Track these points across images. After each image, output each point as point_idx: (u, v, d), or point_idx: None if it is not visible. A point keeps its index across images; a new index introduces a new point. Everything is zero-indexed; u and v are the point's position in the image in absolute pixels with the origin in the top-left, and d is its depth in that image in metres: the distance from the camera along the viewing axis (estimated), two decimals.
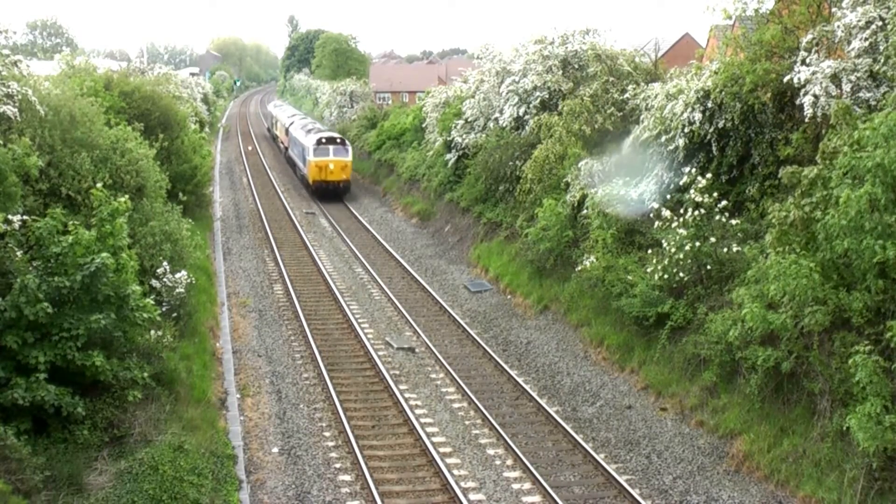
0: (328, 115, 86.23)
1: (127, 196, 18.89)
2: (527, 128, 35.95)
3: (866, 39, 20.59)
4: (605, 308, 24.34)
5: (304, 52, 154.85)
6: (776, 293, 16.92)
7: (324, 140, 50.36)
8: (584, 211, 27.24)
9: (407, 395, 21.78)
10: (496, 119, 39.23)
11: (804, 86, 21.02)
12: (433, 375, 23.48)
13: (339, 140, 51.20)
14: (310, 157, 50.09)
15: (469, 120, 41.76)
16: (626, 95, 29.85)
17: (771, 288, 17.03)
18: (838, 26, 21.26)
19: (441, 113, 47.65)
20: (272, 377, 23.06)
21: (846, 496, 15.04)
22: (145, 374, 17.00)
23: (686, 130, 24.11)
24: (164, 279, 22.51)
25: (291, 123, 63.39)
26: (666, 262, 21.82)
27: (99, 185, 19.27)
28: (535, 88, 36.27)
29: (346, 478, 17.63)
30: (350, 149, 51.61)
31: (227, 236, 39.92)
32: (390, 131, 59.41)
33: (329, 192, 50.15)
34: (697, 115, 23.76)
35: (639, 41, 51.53)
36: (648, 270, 22.29)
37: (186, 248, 25.37)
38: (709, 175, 22.36)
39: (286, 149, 65.48)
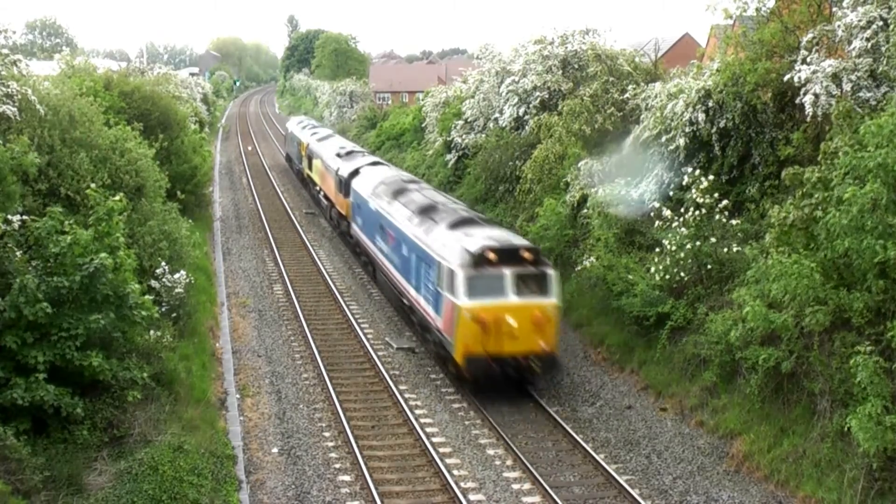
0: (328, 115, 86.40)
1: (122, 194, 18.86)
2: (527, 128, 35.96)
3: (867, 39, 20.59)
4: (605, 308, 24.31)
5: (303, 52, 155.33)
6: (777, 293, 16.91)
7: (492, 255, 20.76)
8: (585, 211, 27.22)
9: (407, 396, 21.75)
10: (496, 119, 39.23)
11: (804, 85, 21.02)
12: (433, 375, 23.44)
13: (527, 254, 21.14)
14: (459, 299, 20.54)
15: (469, 120, 41.78)
16: (626, 95, 29.83)
17: (772, 288, 17.01)
18: (839, 26, 21.26)
19: (441, 113, 47.70)
20: (272, 377, 23.03)
21: (846, 496, 15.01)
22: (145, 374, 16.95)
23: (688, 130, 24.09)
24: (164, 279, 22.49)
25: (356, 173, 34.14)
26: (667, 261, 21.79)
27: (94, 185, 19.23)
28: (534, 88, 36.28)
29: (346, 478, 17.60)
30: (551, 275, 21.30)
31: (226, 236, 39.87)
32: (390, 131, 59.50)
33: (505, 380, 21.26)
34: (700, 115, 23.74)
35: (639, 41, 51.57)
36: (651, 270, 22.25)
37: (185, 247, 25.33)
38: (710, 176, 22.34)
39: (340, 216, 37.04)
